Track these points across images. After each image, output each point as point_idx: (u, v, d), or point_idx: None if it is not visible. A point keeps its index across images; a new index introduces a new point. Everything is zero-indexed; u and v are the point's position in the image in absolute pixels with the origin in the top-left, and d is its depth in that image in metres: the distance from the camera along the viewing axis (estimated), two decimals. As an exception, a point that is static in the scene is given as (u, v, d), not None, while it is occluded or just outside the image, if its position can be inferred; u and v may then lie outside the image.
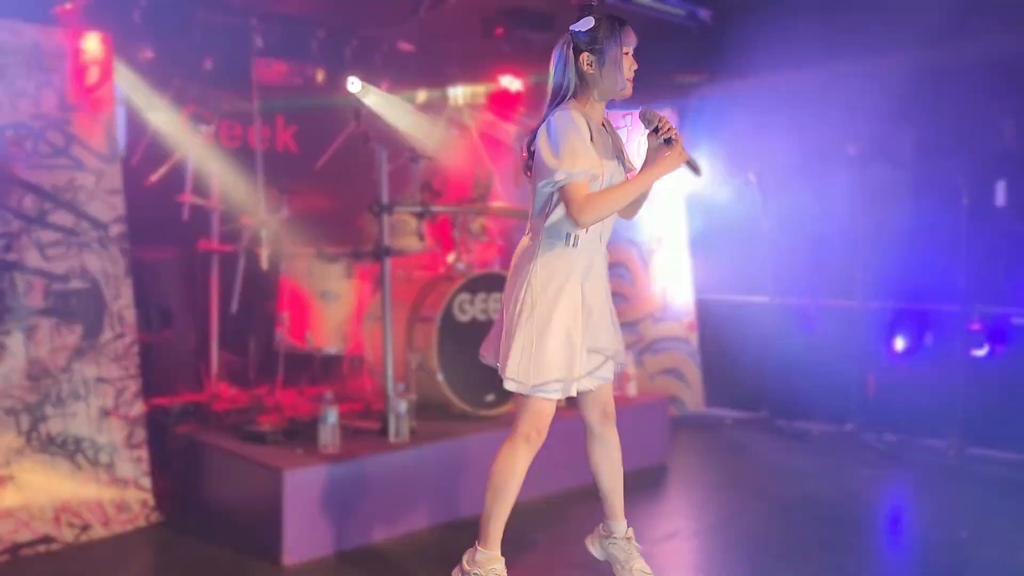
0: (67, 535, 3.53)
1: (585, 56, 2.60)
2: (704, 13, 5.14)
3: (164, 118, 4.84)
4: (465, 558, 2.69)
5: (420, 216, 4.58)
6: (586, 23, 2.59)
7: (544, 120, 2.59)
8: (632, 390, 5.00)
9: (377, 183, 4.08)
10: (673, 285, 6.25)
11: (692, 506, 4.45)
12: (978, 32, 4.87)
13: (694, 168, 2.68)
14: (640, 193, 2.62)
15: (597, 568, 3.08)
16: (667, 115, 2.63)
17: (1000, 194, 5.13)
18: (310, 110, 5.59)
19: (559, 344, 2.56)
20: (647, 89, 6.17)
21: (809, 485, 4.52)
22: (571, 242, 2.61)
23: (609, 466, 2.88)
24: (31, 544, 3.43)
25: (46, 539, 3.47)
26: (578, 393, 2.73)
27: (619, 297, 6.21)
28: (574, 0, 5.02)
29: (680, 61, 6.03)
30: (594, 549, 3.02)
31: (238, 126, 5.47)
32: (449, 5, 4.85)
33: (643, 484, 4.54)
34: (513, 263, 2.71)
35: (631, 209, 2.80)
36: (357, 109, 4.71)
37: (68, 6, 4.09)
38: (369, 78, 5.74)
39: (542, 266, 2.60)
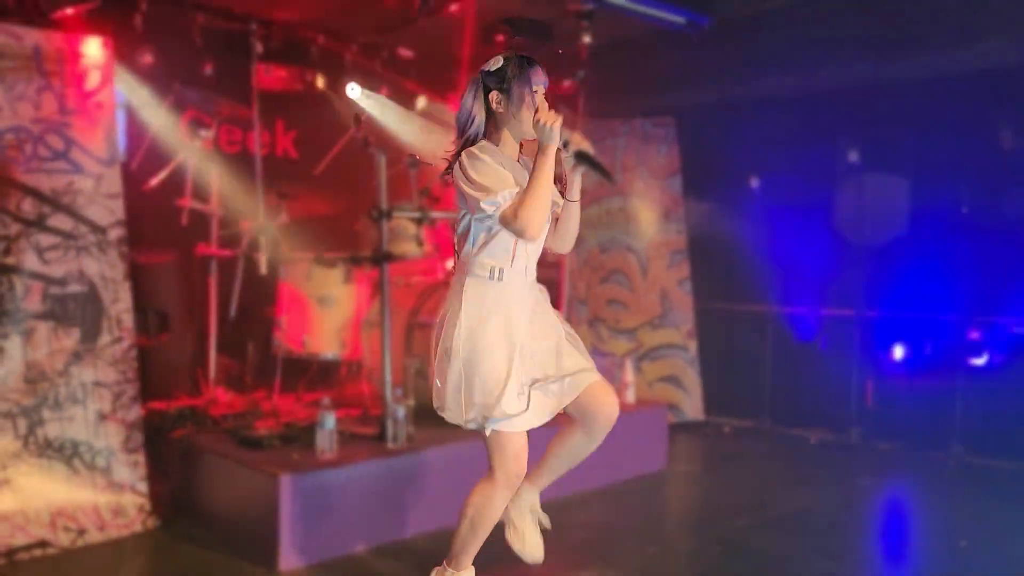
0: (63, 540, 3.51)
1: (494, 95, 2.59)
2: (704, 21, 5.14)
3: (164, 122, 4.85)
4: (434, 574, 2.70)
5: (419, 221, 4.57)
6: (495, 62, 2.60)
7: (456, 159, 2.58)
8: (630, 397, 4.99)
9: (376, 188, 4.09)
10: (672, 292, 6.25)
11: (690, 514, 4.44)
12: (979, 41, 4.88)
13: (605, 173, 2.64)
14: (543, 179, 2.49)
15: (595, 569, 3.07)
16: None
17: (1000, 204, 5.14)
18: (310, 116, 5.60)
19: (501, 376, 2.53)
20: (650, 97, 6.15)
21: (807, 493, 4.51)
22: (496, 275, 2.59)
23: (572, 456, 2.83)
24: (27, 548, 3.42)
25: (42, 543, 3.46)
26: (574, 411, 2.70)
27: (618, 304, 6.21)
28: (571, 7, 5.05)
29: (680, 69, 6.04)
30: None
31: (238, 131, 5.48)
32: (448, 12, 4.85)
33: (641, 492, 4.53)
34: (444, 302, 2.69)
35: (563, 240, 2.75)
36: (357, 114, 4.71)
37: (69, 11, 4.09)
38: (369, 84, 5.76)
39: (474, 300, 2.58)
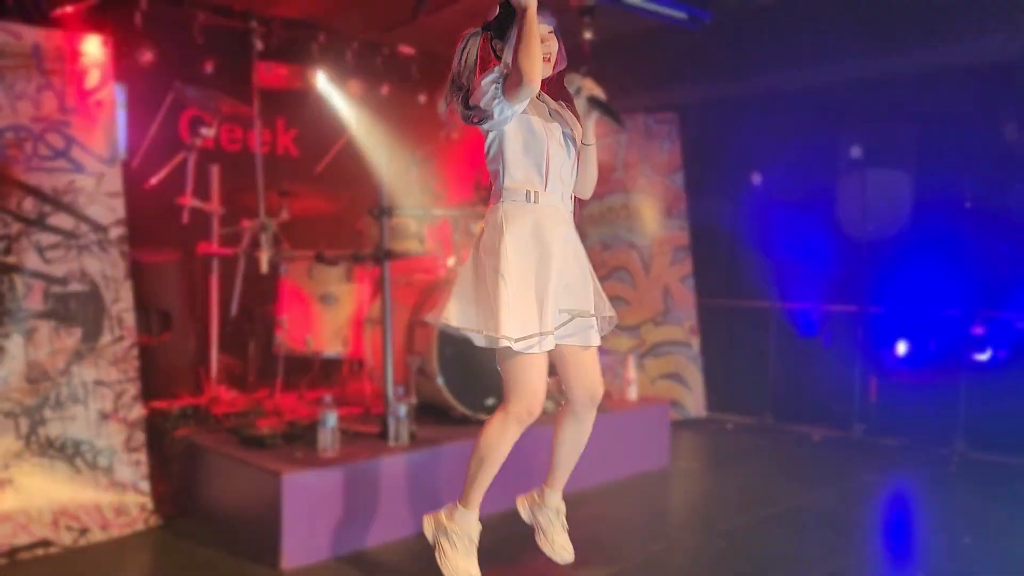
0: (65, 539, 3.51)
1: (496, 43, 2.65)
2: (706, 16, 5.13)
3: (164, 121, 4.84)
4: (443, 511, 2.73)
5: (420, 219, 4.57)
6: (493, 11, 2.64)
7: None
8: (633, 394, 4.98)
9: (377, 186, 4.08)
10: (674, 289, 6.24)
11: (693, 511, 4.43)
12: (982, 35, 4.87)
13: (615, 117, 2.66)
14: (529, 33, 2.47)
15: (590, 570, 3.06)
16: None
17: (1004, 198, 5.12)
18: (310, 114, 5.59)
19: (530, 299, 2.55)
20: (652, 93, 6.14)
21: (811, 490, 4.50)
22: (532, 198, 2.62)
23: (573, 446, 2.86)
24: (29, 548, 3.42)
25: (44, 543, 3.46)
26: (559, 366, 2.72)
27: (620, 300, 6.20)
28: (573, 2, 5.04)
29: (683, 65, 6.03)
30: (523, 510, 3.02)
31: (238, 129, 5.47)
32: (446, 12, 4.85)
33: (644, 489, 4.52)
34: (480, 229, 2.73)
35: (582, 185, 2.77)
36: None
37: (68, 9, 4.08)
38: (370, 81, 5.75)
39: (510, 221, 2.60)
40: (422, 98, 6.12)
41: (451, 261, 4.73)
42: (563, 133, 2.66)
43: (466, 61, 2.65)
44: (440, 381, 4.22)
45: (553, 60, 2.65)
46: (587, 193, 2.83)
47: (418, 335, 4.36)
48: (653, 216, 6.25)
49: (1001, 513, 4.09)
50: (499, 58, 2.64)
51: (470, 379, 4.23)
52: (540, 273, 2.59)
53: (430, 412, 4.27)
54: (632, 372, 5.02)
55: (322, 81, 5.45)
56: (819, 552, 3.53)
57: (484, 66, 2.64)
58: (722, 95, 6.22)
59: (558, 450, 2.88)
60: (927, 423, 5.18)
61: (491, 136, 2.62)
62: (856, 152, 5.54)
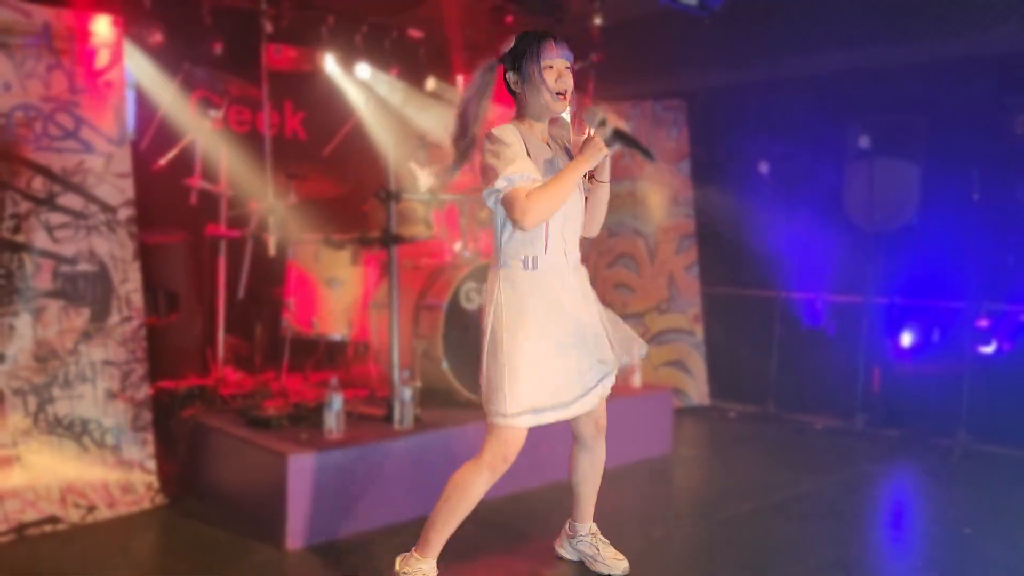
0: (73, 516, 3.55)
1: (510, 76, 2.58)
2: (716, 2, 5.10)
3: (173, 102, 4.85)
4: (398, 560, 2.72)
5: (427, 203, 4.57)
6: (509, 43, 2.58)
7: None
8: (636, 381, 4.99)
9: (384, 170, 4.08)
10: (679, 277, 6.24)
11: (694, 498, 4.45)
12: (991, 26, 4.84)
13: (643, 151, 2.57)
14: (569, 183, 2.47)
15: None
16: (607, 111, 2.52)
17: (1011, 189, 5.11)
18: (319, 97, 5.59)
19: (531, 371, 2.52)
20: (660, 79, 6.14)
21: (812, 479, 4.52)
22: (530, 265, 2.56)
23: (592, 476, 2.92)
24: (37, 524, 3.46)
25: (52, 519, 3.50)
26: None
27: (625, 288, 6.21)
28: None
29: (691, 51, 6.01)
30: (564, 551, 3.08)
31: (247, 111, 5.48)
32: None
33: (646, 476, 4.55)
34: (484, 293, 2.69)
35: (590, 224, 2.72)
36: None
37: (78, -12, 4.08)
38: (379, 64, 5.74)
39: (507, 291, 2.57)
40: (430, 82, 6.11)
41: (458, 246, 4.74)
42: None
43: (473, 101, 2.59)
44: (445, 365, 4.24)
45: (569, 97, 2.58)
46: (593, 232, 2.74)
47: (424, 319, 4.37)
48: (659, 204, 6.25)
49: (1003, 504, 4.10)
50: (513, 92, 2.60)
51: (475, 363, 4.23)
52: (549, 342, 2.55)
53: (435, 396, 4.29)
54: (636, 359, 5.03)
55: (331, 64, 5.45)
56: (820, 540, 3.55)
57: (490, 98, 2.59)
58: (730, 83, 6.20)
59: (580, 488, 2.94)
60: (930, 414, 5.19)
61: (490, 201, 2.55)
62: (864, 142, 5.52)
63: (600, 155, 2.48)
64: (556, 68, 2.53)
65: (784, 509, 4.01)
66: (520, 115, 2.64)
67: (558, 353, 2.57)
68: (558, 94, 2.54)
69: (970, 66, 5.12)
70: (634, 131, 6.57)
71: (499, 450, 2.58)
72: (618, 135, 2.52)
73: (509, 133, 2.52)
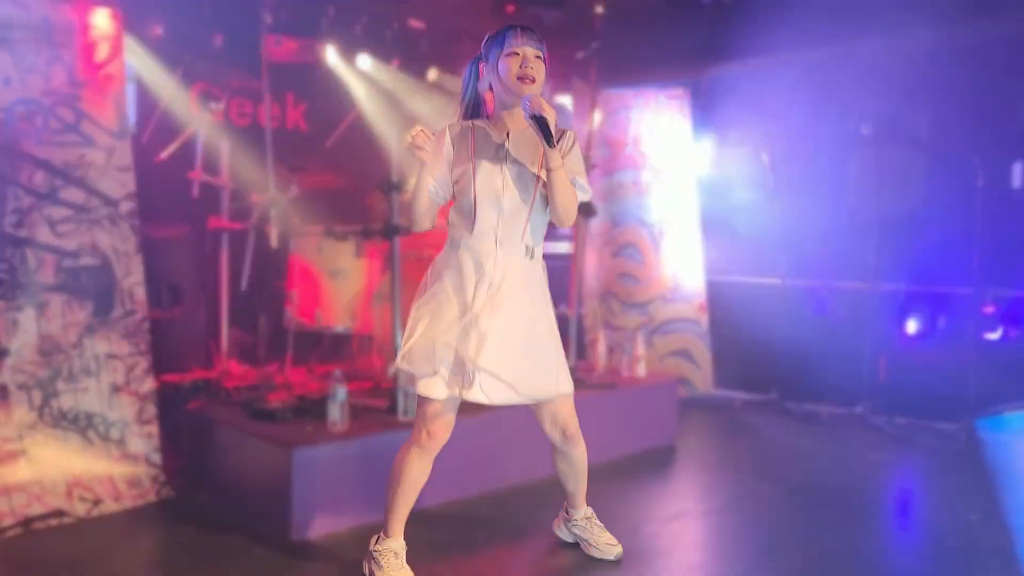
0: (79, 509, 3.56)
1: (482, 67, 2.67)
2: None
3: (174, 95, 4.84)
4: (372, 540, 2.87)
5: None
6: (487, 36, 2.68)
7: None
8: (642, 371, 4.99)
9: (387, 161, 4.07)
10: (684, 266, 6.23)
11: (700, 487, 4.45)
12: (995, 11, 4.80)
13: (547, 138, 2.53)
14: (418, 184, 2.69)
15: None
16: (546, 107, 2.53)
17: (1015, 175, 5.08)
18: (320, 88, 5.58)
19: (419, 336, 2.63)
20: (663, 68, 6.09)
21: (818, 467, 4.51)
22: (457, 244, 2.72)
23: (572, 474, 3.02)
24: (43, 518, 3.47)
25: (58, 513, 3.51)
26: (531, 407, 2.80)
27: (630, 278, 6.20)
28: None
29: (693, 39, 5.97)
30: (561, 533, 3.21)
31: (248, 104, 5.47)
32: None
33: (651, 465, 4.54)
34: None
35: (554, 213, 2.68)
36: None
37: (77, -19, 4.06)
38: (380, 55, 5.72)
39: (437, 263, 2.77)
40: (432, 73, 6.09)
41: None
42: (518, 173, 2.63)
43: (464, 95, 2.76)
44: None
45: (541, 85, 2.60)
46: (564, 220, 2.68)
47: (427, 310, 4.36)
48: (663, 192, 6.23)
49: (1008, 491, 4.09)
50: (489, 85, 2.68)
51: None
52: (437, 313, 2.64)
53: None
54: (641, 349, 5.03)
55: (332, 55, 5.43)
56: (827, 527, 3.55)
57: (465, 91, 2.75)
58: (733, 69, 6.16)
59: (565, 483, 3.07)
60: (936, 401, 5.17)
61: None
62: (868, 128, 5.49)
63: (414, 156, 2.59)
64: (522, 54, 2.57)
65: (789, 497, 4.00)
66: (495, 108, 2.71)
67: (443, 330, 2.62)
68: (519, 78, 2.57)
69: (975, 51, 5.08)
70: (637, 119, 6.51)
71: (420, 424, 2.71)
72: (533, 119, 2.51)
73: (437, 135, 2.65)
